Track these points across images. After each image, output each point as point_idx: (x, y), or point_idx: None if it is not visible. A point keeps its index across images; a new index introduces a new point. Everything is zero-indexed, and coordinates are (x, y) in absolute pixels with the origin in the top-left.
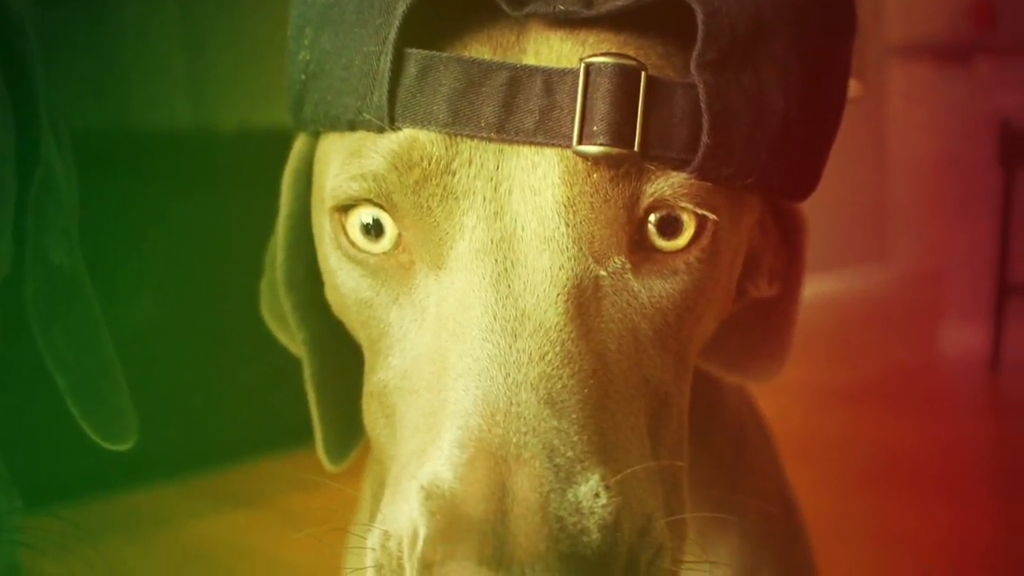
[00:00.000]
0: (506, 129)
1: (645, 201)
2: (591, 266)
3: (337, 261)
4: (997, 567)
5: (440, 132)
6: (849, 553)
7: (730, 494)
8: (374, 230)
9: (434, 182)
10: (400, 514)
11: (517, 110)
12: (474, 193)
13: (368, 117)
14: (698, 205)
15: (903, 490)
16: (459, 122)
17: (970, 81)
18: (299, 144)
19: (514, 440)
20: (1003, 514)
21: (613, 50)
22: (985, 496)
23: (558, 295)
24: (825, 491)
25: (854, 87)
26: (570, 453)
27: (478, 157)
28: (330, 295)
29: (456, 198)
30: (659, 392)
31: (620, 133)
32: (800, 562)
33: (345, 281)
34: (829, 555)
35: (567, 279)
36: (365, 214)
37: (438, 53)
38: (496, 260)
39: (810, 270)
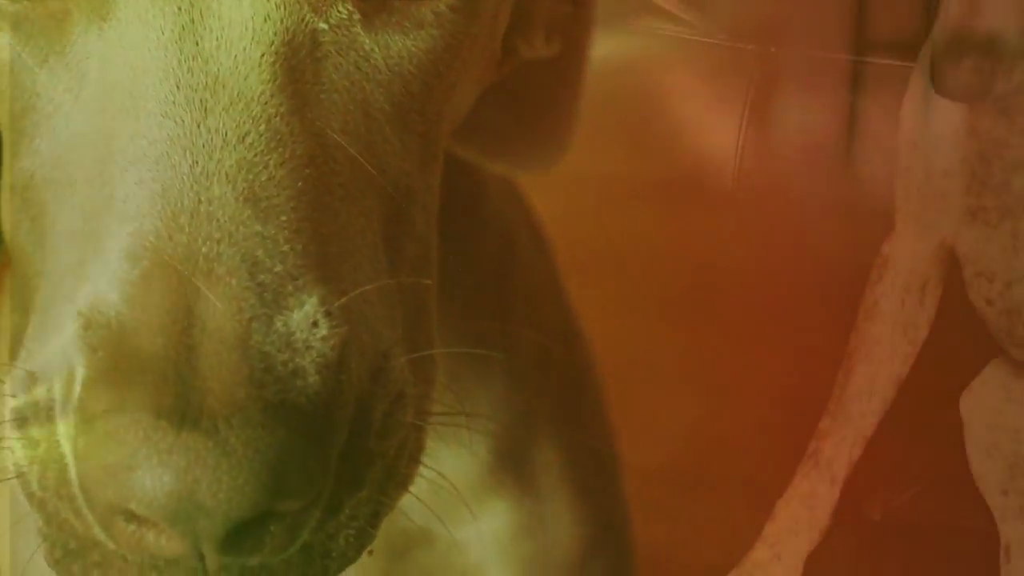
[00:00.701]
0: None
1: None
2: (307, 16)
3: None
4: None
5: None
6: (657, 399)
7: (494, 324)
8: None
9: None
10: (51, 350)
11: None
12: None
13: None
14: None
15: (729, 314)
16: None
17: None
18: None
19: (203, 250)
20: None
21: None
22: (835, 322)
23: (263, 55)
24: (623, 318)
25: None
26: (278, 268)
27: None
28: None
29: None
30: (398, 186)
31: None
32: (587, 412)
33: None
34: (629, 401)
35: (274, 34)
36: None
37: None
38: (179, 8)
39: (602, 24)
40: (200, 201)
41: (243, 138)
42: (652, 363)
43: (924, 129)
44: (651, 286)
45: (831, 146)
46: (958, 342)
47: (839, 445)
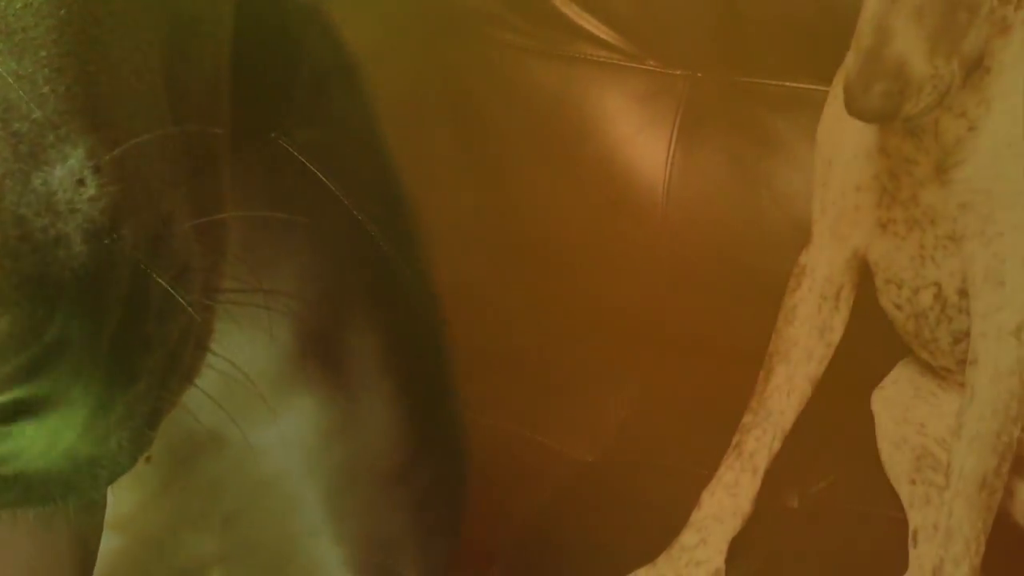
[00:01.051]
0: None
1: None
2: None
3: None
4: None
5: None
6: (501, 276)
7: (298, 182)
8: None
9: None
10: None
11: None
12: None
13: None
14: None
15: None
16: None
17: None
18: None
19: None
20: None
21: None
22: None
23: None
24: (460, 176)
25: None
26: (36, 114)
27: None
28: None
29: None
30: (182, 16)
31: None
32: (411, 289)
33: None
34: (466, 278)
35: None
36: None
37: None
38: None
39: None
40: None
41: None
42: (493, 232)
43: (838, 148)
44: (499, 139)
45: (751, 164)
46: (870, 343)
47: (760, 438)
